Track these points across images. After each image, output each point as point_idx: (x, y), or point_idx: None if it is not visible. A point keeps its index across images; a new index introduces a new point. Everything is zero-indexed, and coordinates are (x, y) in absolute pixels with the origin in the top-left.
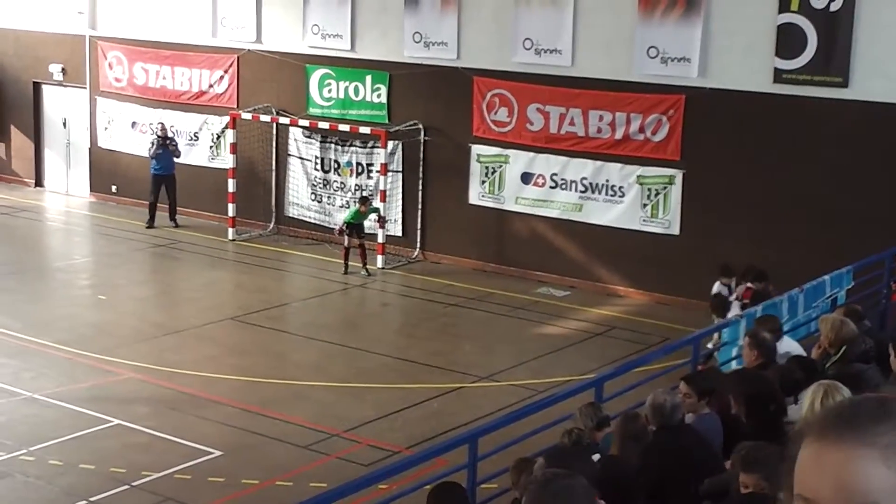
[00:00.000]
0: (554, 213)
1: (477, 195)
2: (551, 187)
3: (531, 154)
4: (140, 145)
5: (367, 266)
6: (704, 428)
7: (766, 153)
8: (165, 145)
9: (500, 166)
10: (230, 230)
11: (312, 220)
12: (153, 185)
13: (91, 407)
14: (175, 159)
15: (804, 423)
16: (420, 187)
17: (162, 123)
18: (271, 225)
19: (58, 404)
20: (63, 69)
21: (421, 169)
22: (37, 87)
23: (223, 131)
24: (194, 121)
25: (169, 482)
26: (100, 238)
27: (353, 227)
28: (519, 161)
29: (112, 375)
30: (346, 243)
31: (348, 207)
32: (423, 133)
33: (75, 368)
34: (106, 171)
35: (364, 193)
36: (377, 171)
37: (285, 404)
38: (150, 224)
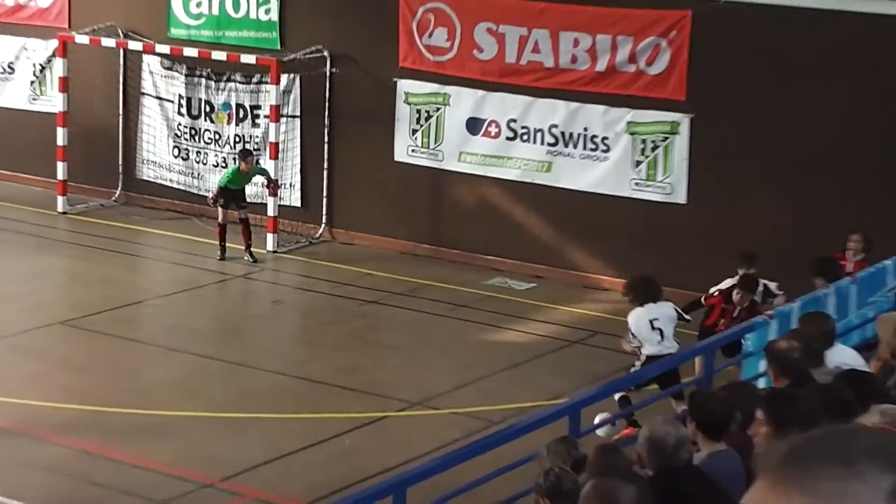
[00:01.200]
0: (512, 175)
1: (405, 150)
2: (508, 138)
3: (480, 93)
4: None
5: (252, 249)
6: (719, 470)
7: (802, 89)
8: None
9: (438, 110)
10: (60, 199)
11: (175, 186)
12: None
13: None
14: None
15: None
16: (326, 139)
17: None
18: (118, 192)
19: None
20: None
21: (327, 114)
22: None
23: (49, 61)
24: (8, 46)
25: None
26: None
27: (233, 193)
28: (463, 102)
29: None
30: (221, 218)
31: (225, 167)
32: (329, 63)
33: None
34: None
35: (247, 146)
36: (266, 117)
37: (138, 441)
38: None
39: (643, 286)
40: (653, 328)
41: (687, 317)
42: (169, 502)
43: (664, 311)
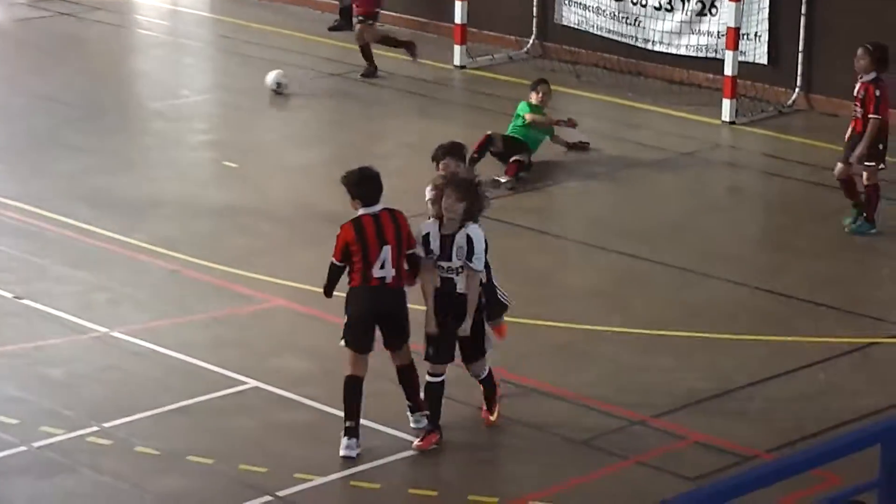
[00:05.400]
0: None
1: None
2: None
3: None
4: None
5: (704, 118)
6: None
7: None
8: None
9: None
10: (457, 50)
11: (605, 35)
12: None
13: (212, 357)
14: None
15: None
16: None
17: None
18: (531, 41)
19: (153, 349)
20: None
21: None
22: None
23: None
24: None
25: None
26: (229, 60)
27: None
28: None
29: (252, 302)
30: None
31: (670, 9)
32: None
33: (186, 288)
34: None
35: None
36: None
37: (546, 364)
38: (339, 24)
39: None
40: None
41: None
42: (592, 441)
43: None
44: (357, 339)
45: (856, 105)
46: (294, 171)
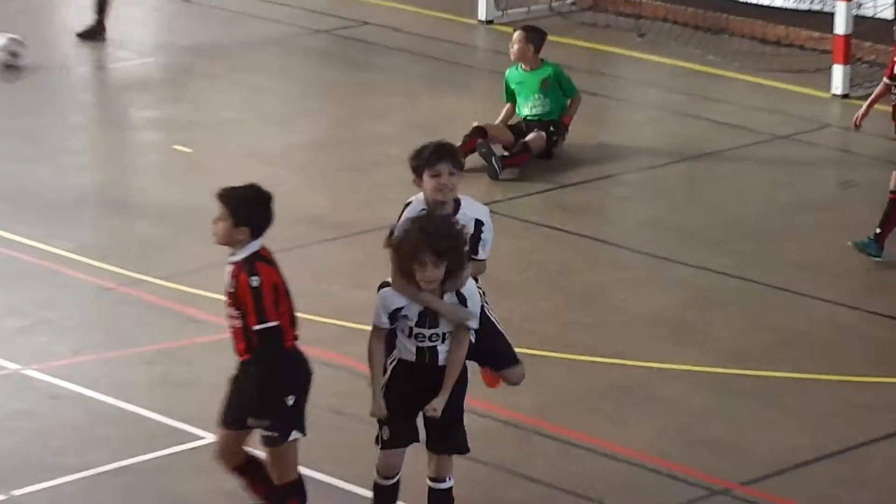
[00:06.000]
0: None
1: None
2: None
3: None
4: None
5: (801, 88)
6: None
7: None
8: None
9: None
10: (482, 4)
11: None
12: None
13: (157, 402)
14: None
15: None
16: None
17: None
18: None
19: (78, 392)
20: None
21: None
22: None
23: None
24: None
25: None
26: (180, 10)
27: None
28: None
29: (209, 330)
30: None
31: None
32: None
33: (122, 312)
34: None
35: None
36: None
37: (596, 411)
38: None
39: None
40: None
41: None
42: None
43: None
44: None
45: None
46: (265, 158)
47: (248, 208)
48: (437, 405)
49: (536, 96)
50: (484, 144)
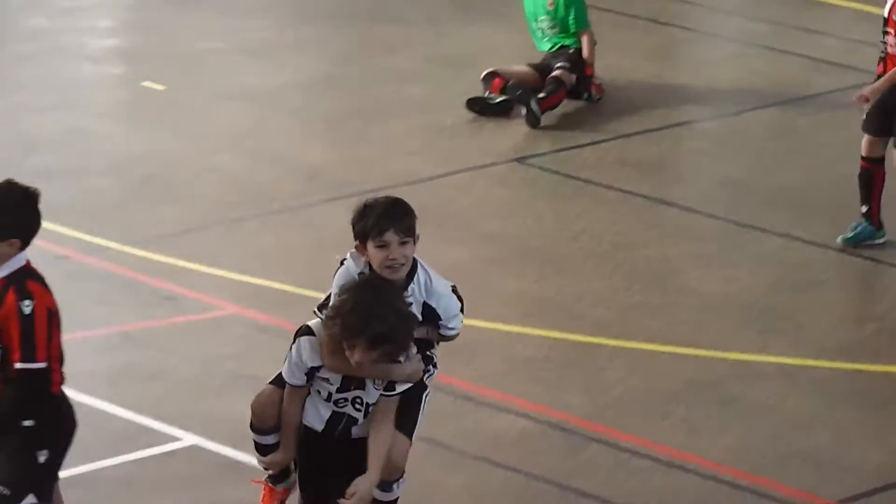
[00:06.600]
0: None
1: None
2: None
3: None
4: None
5: None
6: None
7: None
8: None
9: None
10: None
11: None
12: None
13: (124, 396)
14: None
15: None
16: None
17: None
18: None
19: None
20: None
21: None
22: None
23: None
24: None
25: None
26: None
27: None
28: None
29: (183, 307)
30: None
31: None
32: None
33: (80, 284)
34: None
35: None
36: None
37: (649, 413)
38: None
39: None
40: None
41: None
42: None
43: None
44: None
45: None
46: (250, 98)
47: (12, 216)
48: (364, 489)
49: (544, 17)
50: (516, 86)
